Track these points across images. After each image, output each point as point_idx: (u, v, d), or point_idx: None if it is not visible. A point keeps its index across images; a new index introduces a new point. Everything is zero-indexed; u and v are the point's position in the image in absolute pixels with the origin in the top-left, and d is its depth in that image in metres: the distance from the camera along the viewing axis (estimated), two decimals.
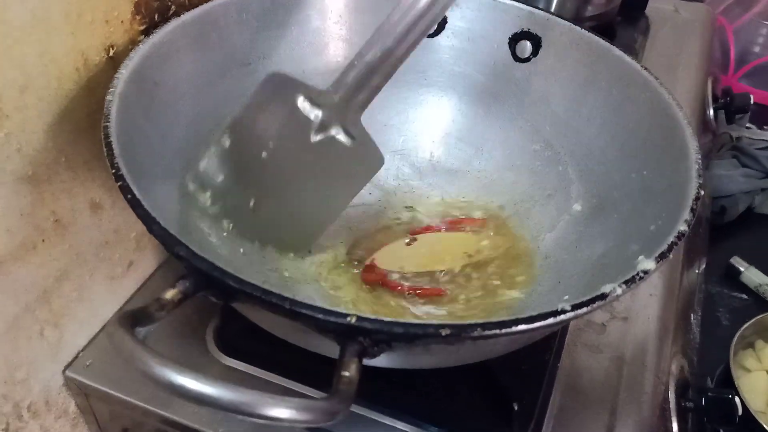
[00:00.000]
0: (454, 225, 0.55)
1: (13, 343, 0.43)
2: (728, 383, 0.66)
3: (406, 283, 0.49)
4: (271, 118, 0.46)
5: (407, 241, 0.53)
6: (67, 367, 0.48)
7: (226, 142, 0.46)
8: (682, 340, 0.55)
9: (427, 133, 0.59)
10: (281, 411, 0.25)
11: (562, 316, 0.31)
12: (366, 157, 0.47)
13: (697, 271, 0.72)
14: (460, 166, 0.58)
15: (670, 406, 0.49)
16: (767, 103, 1.25)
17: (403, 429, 0.45)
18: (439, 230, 0.54)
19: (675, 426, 0.49)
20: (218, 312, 0.51)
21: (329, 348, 0.38)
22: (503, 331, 0.30)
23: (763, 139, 1.06)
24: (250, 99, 0.46)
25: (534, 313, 0.31)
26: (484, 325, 0.30)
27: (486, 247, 0.52)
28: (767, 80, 1.27)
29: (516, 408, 0.45)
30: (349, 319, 0.29)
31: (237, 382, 0.47)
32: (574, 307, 0.31)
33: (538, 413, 0.46)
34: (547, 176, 0.54)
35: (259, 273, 0.46)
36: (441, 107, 0.59)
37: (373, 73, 0.43)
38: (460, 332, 0.29)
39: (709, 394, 0.52)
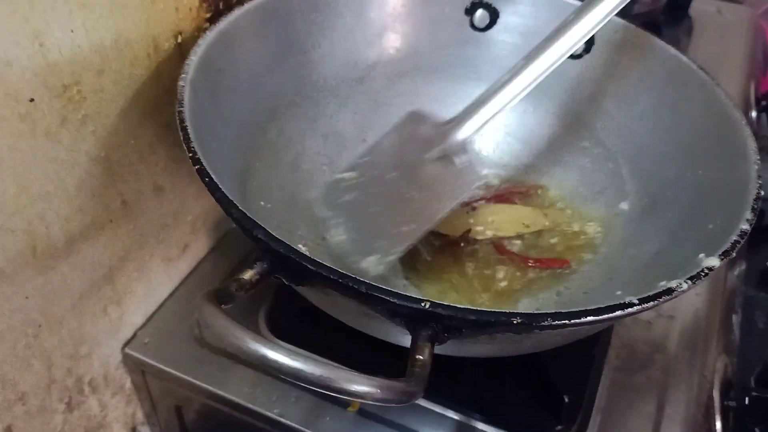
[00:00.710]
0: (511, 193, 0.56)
1: (78, 319, 0.44)
2: (767, 384, 0.66)
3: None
4: (403, 142, 0.49)
5: (467, 211, 0.53)
6: (126, 344, 0.50)
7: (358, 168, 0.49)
8: (725, 340, 0.56)
9: None
10: (365, 388, 0.26)
11: (630, 309, 0.31)
12: (468, 175, 0.48)
13: (736, 274, 0.72)
14: (508, 161, 0.59)
15: (715, 405, 0.49)
16: None
17: (453, 417, 0.46)
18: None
19: (718, 424, 0.50)
20: (270, 295, 0.52)
21: (387, 332, 0.39)
22: (572, 321, 0.31)
23: None
24: (391, 129, 0.49)
25: (602, 305, 0.31)
26: (554, 315, 0.30)
27: (539, 216, 0.54)
28: None
29: (566, 400, 0.46)
30: (423, 304, 0.30)
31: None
32: (642, 301, 0.32)
33: (585, 406, 0.46)
34: (596, 173, 0.54)
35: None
36: None
37: (492, 109, 0.46)
38: (531, 321, 0.30)
39: (753, 393, 0.52)
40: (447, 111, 0.59)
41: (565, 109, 0.57)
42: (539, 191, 0.56)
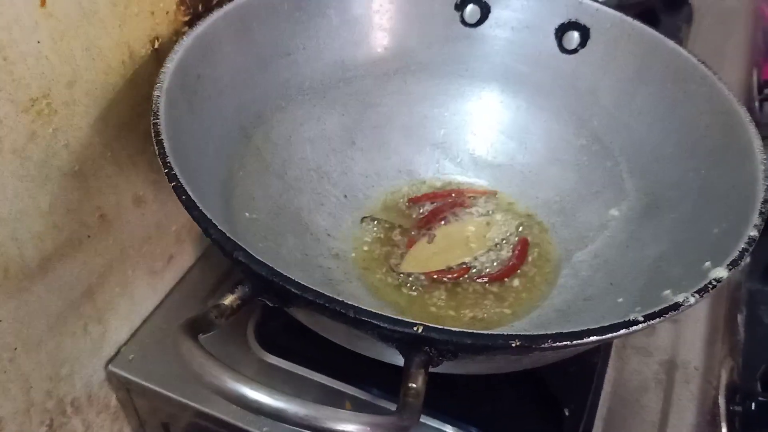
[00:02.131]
0: (460, 195, 0.55)
1: (57, 340, 0.43)
2: None
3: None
4: None
5: (427, 240, 0.52)
6: (109, 361, 0.48)
7: None
8: (730, 341, 0.54)
9: (468, 125, 0.58)
10: (353, 427, 0.25)
11: (635, 327, 0.30)
12: None
13: (740, 269, 0.70)
14: (502, 161, 0.57)
15: (721, 412, 0.48)
16: None
17: None
18: (443, 198, 0.55)
19: (724, 431, 0.48)
20: (259, 308, 0.51)
21: (378, 351, 0.37)
22: (574, 342, 0.29)
23: None
24: None
25: (605, 324, 0.30)
26: (555, 337, 0.29)
27: (500, 224, 0.53)
28: None
29: (567, 413, 0.44)
30: (416, 328, 0.28)
31: (278, 381, 0.47)
32: (647, 318, 0.30)
33: (587, 418, 0.45)
34: (594, 172, 0.52)
35: (303, 272, 0.45)
36: (483, 99, 0.58)
37: None
38: (530, 344, 0.28)
39: (759, 398, 0.51)
40: (438, 110, 0.58)
41: (560, 106, 0.55)
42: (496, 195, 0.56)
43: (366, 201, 0.54)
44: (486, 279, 0.49)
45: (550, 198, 0.54)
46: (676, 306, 0.31)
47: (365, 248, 0.51)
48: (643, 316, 0.30)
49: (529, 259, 0.51)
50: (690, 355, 0.49)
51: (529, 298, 0.48)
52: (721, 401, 0.48)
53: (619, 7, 0.65)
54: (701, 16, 0.90)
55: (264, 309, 0.51)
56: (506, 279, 0.50)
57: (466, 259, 0.51)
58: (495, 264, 0.51)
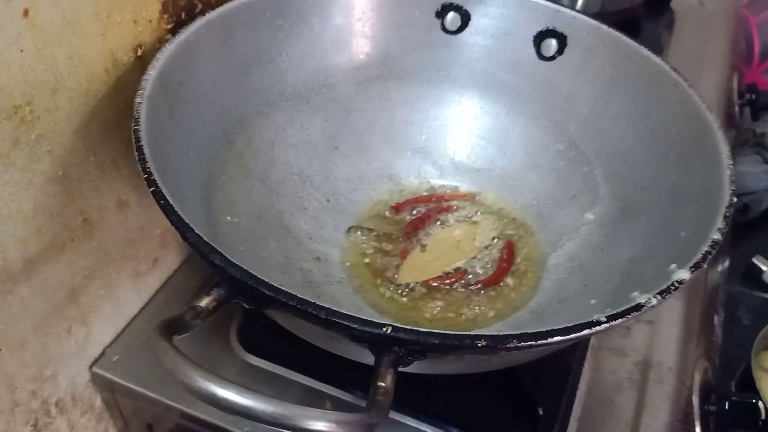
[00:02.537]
0: (441, 199, 0.56)
1: (41, 341, 0.43)
2: (749, 385, 0.66)
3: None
4: None
5: (419, 249, 0.53)
6: (93, 363, 0.49)
7: None
8: (705, 342, 0.55)
9: (448, 131, 0.59)
10: (321, 424, 0.26)
11: (597, 327, 0.31)
12: None
13: (719, 270, 0.72)
14: (482, 165, 0.58)
15: (694, 411, 0.49)
16: None
17: (427, 431, 0.45)
18: (425, 203, 0.56)
19: (698, 430, 0.49)
20: (242, 310, 0.51)
21: (356, 352, 0.38)
22: (539, 342, 0.30)
23: None
24: None
25: (569, 324, 0.30)
26: (520, 337, 0.30)
27: (485, 227, 0.54)
28: None
29: (541, 412, 0.45)
30: (385, 329, 0.29)
31: (259, 381, 0.48)
32: (610, 318, 0.31)
33: (562, 417, 0.46)
34: (571, 177, 0.53)
35: (284, 274, 0.46)
36: (463, 105, 0.59)
37: None
38: (496, 344, 0.29)
39: (733, 398, 0.52)
40: (419, 115, 0.59)
41: (539, 112, 0.56)
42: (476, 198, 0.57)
43: (348, 204, 0.55)
44: (480, 285, 0.50)
45: (528, 202, 0.55)
46: (638, 307, 0.32)
47: (354, 263, 0.51)
48: (605, 317, 0.31)
49: (518, 260, 0.52)
50: (664, 355, 0.50)
51: (514, 299, 0.49)
52: (695, 401, 0.50)
53: (601, 15, 0.66)
54: (683, 22, 0.91)
55: (246, 311, 0.51)
56: (500, 282, 0.51)
57: (461, 263, 0.52)
58: (489, 265, 0.52)
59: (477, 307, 0.49)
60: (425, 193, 0.57)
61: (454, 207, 0.56)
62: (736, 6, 1.03)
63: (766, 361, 0.77)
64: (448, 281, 0.50)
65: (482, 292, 0.50)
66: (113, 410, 0.52)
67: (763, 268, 0.91)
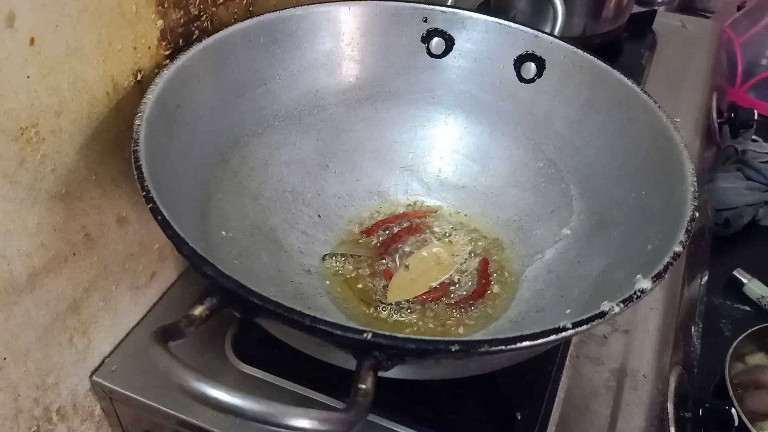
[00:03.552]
0: (406, 217, 0.59)
1: (44, 351, 0.46)
2: (726, 393, 0.68)
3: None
4: None
5: (403, 269, 0.55)
6: (93, 372, 0.51)
7: None
8: (682, 351, 0.57)
9: (435, 149, 0.62)
10: (304, 422, 0.28)
11: (564, 333, 0.33)
12: None
13: (700, 283, 0.74)
14: (467, 182, 0.60)
15: (669, 417, 0.51)
16: None
17: None
18: (395, 222, 0.59)
19: None
20: (236, 321, 0.54)
21: (344, 360, 0.40)
22: (509, 347, 0.32)
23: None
24: None
25: (537, 330, 0.33)
26: (491, 342, 0.32)
27: (460, 242, 0.57)
28: None
29: (519, 418, 0.48)
30: (365, 335, 0.31)
31: (253, 389, 0.50)
32: (575, 325, 0.33)
33: (541, 423, 0.48)
34: (550, 193, 0.56)
35: (276, 286, 0.49)
36: (448, 125, 0.62)
37: None
38: (468, 348, 0.32)
39: (707, 405, 0.54)
40: (406, 135, 0.62)
41: (519, 131, 0.59)
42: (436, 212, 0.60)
43: (338, 220, 0.58)
44: (462, 301, 0.53)
45: (509, 217, 0.57)
46: (602, 314, 0.34)
47: (340, 290, 0.53)
48: (571, 323, 0.33)
49: (498, 273, 0.55)
50: (639, 363, 0.53)
51: (494, 310, 0.51)
52: (670, 407, 0.52)
53: (582, 37, 0.69)
54: (665, 44, 0.94)
55: (241, 322, 0.54)
56: (482, 296, 0.53)
57: (444, 278, 0.54)
58: (470, 282, 0.54)
59: (459, 319, 0.51)
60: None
61: (425, 224, 0.58)
62: (719, 27, 1.07)
63: (740, 369, 0.79)
64: (433, 296, 0.53)
65: (464, 305, 0.52)
66: (112, 418, 0.54)
67: (744, 280, 0.94)
